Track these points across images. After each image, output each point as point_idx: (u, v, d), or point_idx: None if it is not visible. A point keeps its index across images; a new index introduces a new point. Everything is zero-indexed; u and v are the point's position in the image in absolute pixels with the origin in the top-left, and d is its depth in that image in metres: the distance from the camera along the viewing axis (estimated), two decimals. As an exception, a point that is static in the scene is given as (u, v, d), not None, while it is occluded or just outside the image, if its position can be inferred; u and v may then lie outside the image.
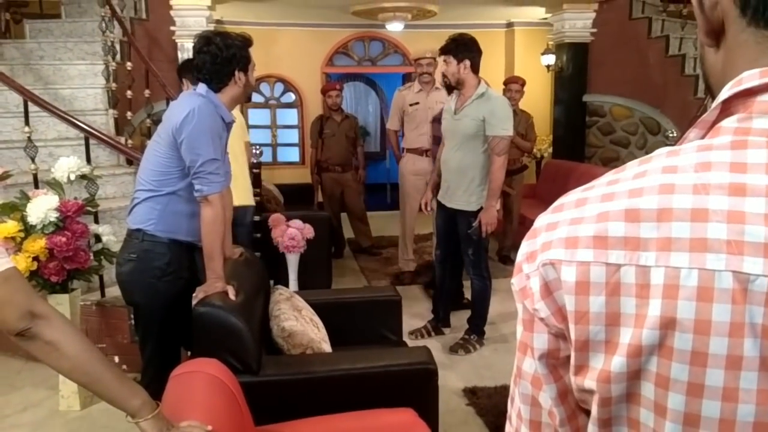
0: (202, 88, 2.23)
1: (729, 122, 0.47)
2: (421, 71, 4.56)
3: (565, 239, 0.48)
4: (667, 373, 0.44)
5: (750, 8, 0.46)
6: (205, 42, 2.20)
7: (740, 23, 0.47)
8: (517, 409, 0.56)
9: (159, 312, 2.25)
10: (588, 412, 0.50)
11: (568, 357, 0.50)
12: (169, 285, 2.23)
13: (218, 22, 5.95)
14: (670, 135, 5.14)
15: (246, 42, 2.28)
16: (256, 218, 3.59)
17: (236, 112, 3.77)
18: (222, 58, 2.19)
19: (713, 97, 0.52)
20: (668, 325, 0.44)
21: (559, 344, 0.51)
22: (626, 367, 0.46)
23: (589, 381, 0.48)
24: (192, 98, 2.20)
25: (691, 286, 0.43)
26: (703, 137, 0.50)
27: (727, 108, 0.48)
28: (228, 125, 2.28)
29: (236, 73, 2.23)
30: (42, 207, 2.58)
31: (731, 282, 0.42)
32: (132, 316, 3.17)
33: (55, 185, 2.76)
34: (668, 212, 0.44)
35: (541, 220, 0.53)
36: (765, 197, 0.42)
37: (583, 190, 0.51)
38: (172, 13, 5.12)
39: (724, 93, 0.48)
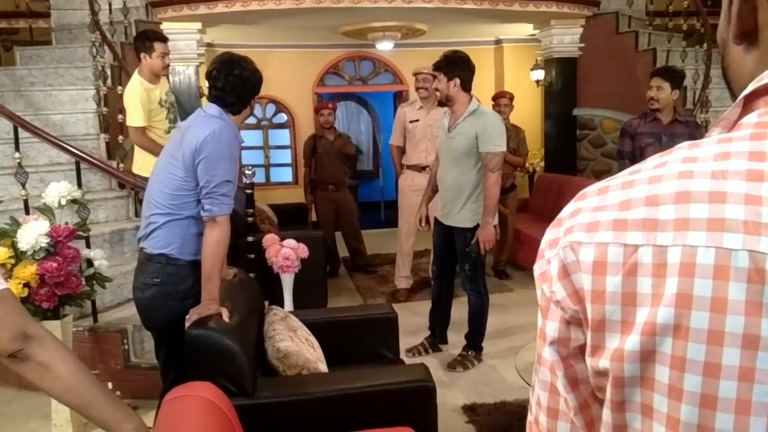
0: (214, 109, 2.23)
1: (750, 118, 0.49)
2: (417, 86, 4.64)
3: (587, 224, 0.50)
4: (683, 353, 0.44)
5: None
6: (235, 65, 2.22)
7: None
8: (536, 396, 0.56)
9: (182, 334, 2.22)
10: (603, 403, 0.50)
11: (579, 347, 0.51)
12: (191, 306, 2.20)
13: (209, 45, 5.98)
14: (661, 146, 5.18)
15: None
16: (250, 239, 3.58)
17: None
18: (251, 83, 2.25)
19: (732, 93, 0.54)
20: (684, 303, 0.44)
21: (570, 333, 0.52)
22: (640, 346, 0.45)
23: (604, 360, 0.48)
24: (209, 120, 2.20)
25: (708, 264, 0.43)
26: None
27: (749, 106, 0.50)
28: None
29: (254, 98, 2.31)
30: (32, 233, 2.55)
31: (747, 261, 0.42)
32: (125, 341, 3.14)
33: (45, 210, 2.74)
34: (686, 195, 0.45)
35: (566, 210, 0.54)
36: None
37: (606, 180, 0.53)
38: (162, 37, 5.14)
39: (747, 90, 0.50)
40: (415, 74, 4.69)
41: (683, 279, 0.44)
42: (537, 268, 0.55)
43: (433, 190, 3.59)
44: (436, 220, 3.54)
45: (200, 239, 2.21)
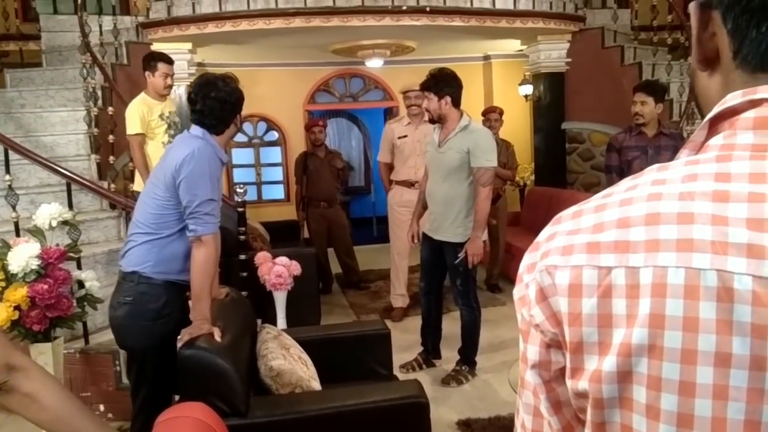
0: (197, 130, 2.25)
1: (715, 140, 0.50)
2: (408, 104, 4.60)
3: (562, 248, 0.51)
4: (659, 373, 0.44)
5: (741, 54, 0.51)
6: (212, 87, 2.23)
7: (731, 63, 0.51)
8: (521, 419, 0.57)
9: (153, 355, 2.21)
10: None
11: (561, 370, 0.52)
12: (164, 326, 2.21)
13: (200, 65, 6.01)
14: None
15: (238, 83, 2.34)
16: (242, 257, 3.57)
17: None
18: (230, 104, 2.25)
19: (703, 116, 0.56)
20: (657, 323, 0.44)
21: (551, 356, 0.52)
22: (616, 366, 0.46)
23: (583, 382, 0.49)
24: (191, 140, 2.23)
25: (678, 284, 0.44)
26: None
27: (715, 128, 0.51)
28: (224, 165, 2.32)
29: (237, 115, 2.30)
30: (23, 255, 2.54)
31: (716, 280, 0.43)
32: (117, 362, 3.12)
33: (36, 232, 2.73)
34: (656, 216, 0.46)
35: (542, 234, 0.55)
36: (747, 203, 0.44)
37: (580, 204, 0.54)
38: (153, 57, 5.16)
39: (711, 112, 0.51)
40: (405, 92, 4.66)
41: (655, 299, 0.44)
42: (516, 293, 0.55)
43: (423, 206, 3.61)
44: (424, 235, 3.55)
45: (177, 260, 2.22)
